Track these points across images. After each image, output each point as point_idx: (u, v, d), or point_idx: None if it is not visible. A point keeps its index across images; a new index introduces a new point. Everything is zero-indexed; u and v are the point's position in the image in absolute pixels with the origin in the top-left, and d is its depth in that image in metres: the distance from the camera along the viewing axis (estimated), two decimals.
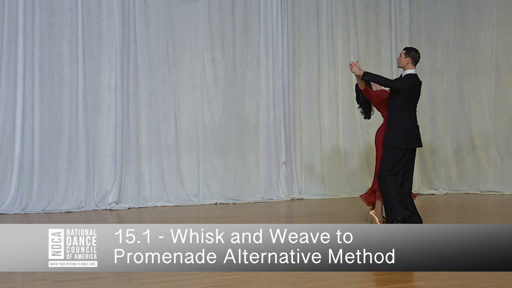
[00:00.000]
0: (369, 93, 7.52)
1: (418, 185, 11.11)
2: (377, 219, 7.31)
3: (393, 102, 7.21)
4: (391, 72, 11.03)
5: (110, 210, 8.96)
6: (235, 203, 9.65)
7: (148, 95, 9.52)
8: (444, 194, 10.96)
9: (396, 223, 7.06)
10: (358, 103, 7.87)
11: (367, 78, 7.21)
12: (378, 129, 7.54)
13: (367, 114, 7.86)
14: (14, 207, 8.61)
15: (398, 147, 7.14)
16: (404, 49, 7.44)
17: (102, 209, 8.97)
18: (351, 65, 7.26)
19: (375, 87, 7.60)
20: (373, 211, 7.45)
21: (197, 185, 9.76)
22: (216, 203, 9.61)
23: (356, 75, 7.29)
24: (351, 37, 10.85)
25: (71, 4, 9.04)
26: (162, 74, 9.60)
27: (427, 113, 11.31)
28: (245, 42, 10.10)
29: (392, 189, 7.12)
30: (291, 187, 10.31)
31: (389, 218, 7.15)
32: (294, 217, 8.53)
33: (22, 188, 8.73)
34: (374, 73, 7.66)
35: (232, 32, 10.04)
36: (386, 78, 7.35)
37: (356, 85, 7.68)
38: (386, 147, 7.22)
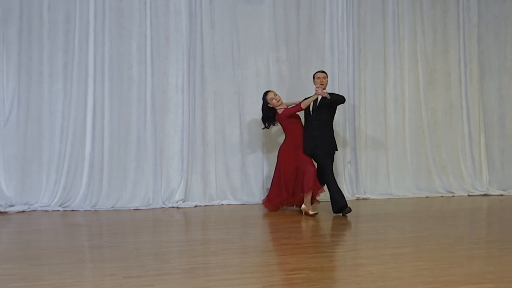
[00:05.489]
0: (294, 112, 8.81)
1: (486, 186, 10.90)
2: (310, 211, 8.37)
3: (330, 116, 8.71)
4: (459, 71, 10.86)
5: (177, 208, 9.10)
6: None
7: (213, 94, 9.63)
8: None
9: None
10: (267, 124, 9.02)
11: (331, 97, 8.52)
12: (283, 146, 8.93)
13: (270, 126, 9.12)
14: (85, 204, 8.84)
15: (336, 150, 8.88)
16: (324, 72, 8.96)
17: (169, 207, 9.12)
18: (318, 87, 8.56)
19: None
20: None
21: (262, 183, 9.81)
22: None
23: (321, 96, 8.50)
24: (418, 35, 10.73)
25: (140, 5, 9.23)
26: (227, 74, 9.70)
27: (496, 112, 11.07)
28: (310, 42, 10.10)
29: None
30: (356, 187, 10.27)
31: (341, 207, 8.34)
32: (360, 217, 8.47)
33: (92, 185, 8.96)
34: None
35: (297, 32, 10.06)
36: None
37: (269, 108, 8.93)
38: (331, 154, 8.70)
